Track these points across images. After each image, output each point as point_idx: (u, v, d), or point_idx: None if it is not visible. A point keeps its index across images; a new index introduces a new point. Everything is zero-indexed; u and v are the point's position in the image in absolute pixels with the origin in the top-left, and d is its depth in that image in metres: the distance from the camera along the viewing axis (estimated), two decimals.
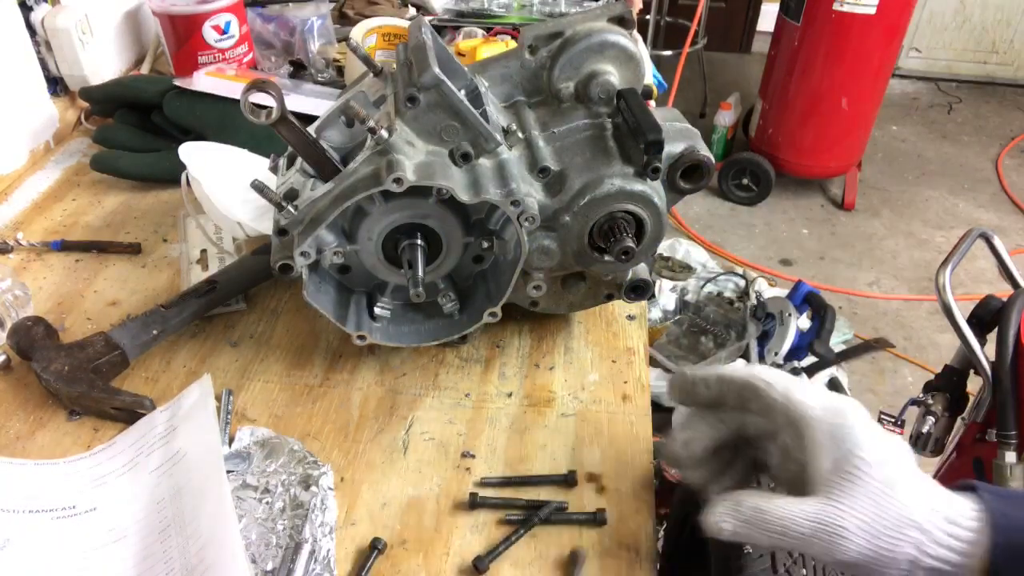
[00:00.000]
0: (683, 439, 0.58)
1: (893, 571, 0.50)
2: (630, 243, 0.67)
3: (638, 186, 0.67)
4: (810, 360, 1.89)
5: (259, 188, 0.65)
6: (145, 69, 1.38)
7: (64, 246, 0.93)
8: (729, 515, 0.52)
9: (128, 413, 0.70)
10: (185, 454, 0.65)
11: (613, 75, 0.71)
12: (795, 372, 1.87)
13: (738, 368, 0.57)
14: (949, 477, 1.28)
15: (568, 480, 0.66)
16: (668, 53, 3.52)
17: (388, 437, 0.70)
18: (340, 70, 1.34)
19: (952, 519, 0.49)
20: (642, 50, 0.76)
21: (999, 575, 0.47)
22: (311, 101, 1.12)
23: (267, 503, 0.62)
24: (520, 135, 0.71)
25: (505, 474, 0.67)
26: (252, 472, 0.65)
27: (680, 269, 2.36)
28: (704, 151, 0.72)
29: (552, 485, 0.66)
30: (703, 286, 2.25)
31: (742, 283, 2.22)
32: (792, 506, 0.50)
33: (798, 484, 0.52)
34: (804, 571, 0.97)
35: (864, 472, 0.50)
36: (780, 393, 0.54)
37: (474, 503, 0.64)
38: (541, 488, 0.66)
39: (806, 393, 0.53)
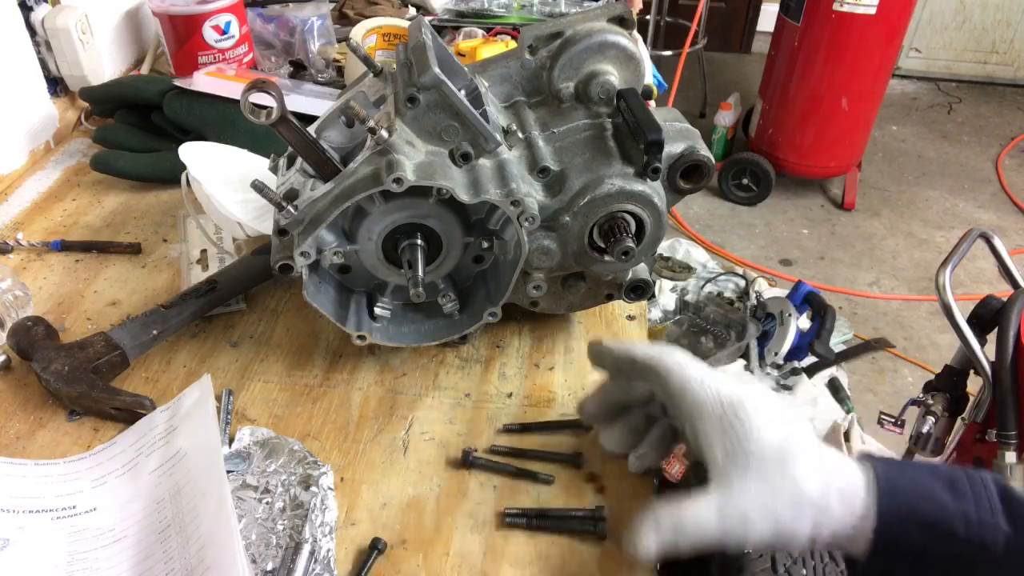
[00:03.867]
0: (594, 395, 0.66)
1: (797, 545, 0.52)
2: (630, 243, 0.67)
3: (638, 186, 0.67)
4: (810, 360, 1.89)
5: (259, 188, 0.65)
6: (145, 69, 1.38)
7: (64, 246, 0.93)
8: (651, 536, 0.53)
9: (128, 413, 0.70)
10: (185, 454, 0.65)
11: (613, 75, 0.71)
12: (795, 372, 1.87)
13: (651, 348, 0.60)
14: None
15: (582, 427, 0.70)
16: (668, 53, 3.52)
17: (388, 437, 0.70)
18: (340, 70, 1.34)
19: (845, 491, 0.52)
20: (642, 50, 0.76)
21: (887, 533, 0.51)
22: (311, 101, 1.12)
23: (267, 503, 0.62)
24: (520, 135, 0.71)
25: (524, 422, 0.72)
26: (252, 472, 0.65)
27: (680, 269, 2.36)
28: (704, 151, 0.72)
29: (569, 429, 0.71)
30: (703, 286, 2.24)
31: (742, 283, 2.22)
32: (700, 510, 0.52)
33: (704, 465, 0.55)
34: (804, 571, 0.97)
35: (755, 459, 0.52)
36: (677, 384, 0.56)
37: (468, 461, 0.67)
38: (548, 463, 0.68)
39: (703, 384, 0.55)
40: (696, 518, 0.52)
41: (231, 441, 0.68)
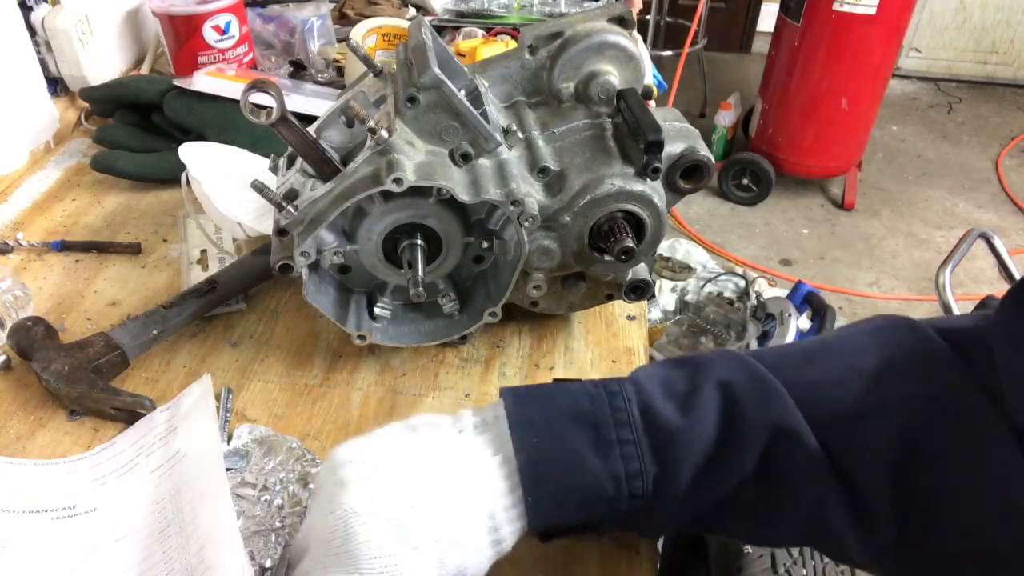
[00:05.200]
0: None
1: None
2: (630, 243, 0.67)
3: (638, 186, 0.67)
4: None
5: (259, 188, 0.65)
6: (145, 69, 1.38)
7: (64, 246, 0.93)
8: None
9: (128, 413, 0.70)
10: (185, 454, 0.65)
11: (613, 75, 0.71)
12: None
13: None
14: None
15: None
16: (668, 53, 3.52)
17: None
18: (340, 70, 1.34)
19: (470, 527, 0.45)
20: (642, 50, 0.76)
21: (543, 520, 0.46)
22: (311, 101, 1.12)
23: (266, 501, 0.62)
24: (520, 135, 0.71)
25: None
26: (250, 470, 0.65)
27: (680, 269, 2.36)
28: (704, 151, 0.72)
29: None
30: (703, 286, 2.25)
31: (742, 283, 2.23)
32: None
33: None
34: (804, 571, 0.97)
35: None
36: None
37: None
38: None
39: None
40: None
41: (229, 439, 0.68)
